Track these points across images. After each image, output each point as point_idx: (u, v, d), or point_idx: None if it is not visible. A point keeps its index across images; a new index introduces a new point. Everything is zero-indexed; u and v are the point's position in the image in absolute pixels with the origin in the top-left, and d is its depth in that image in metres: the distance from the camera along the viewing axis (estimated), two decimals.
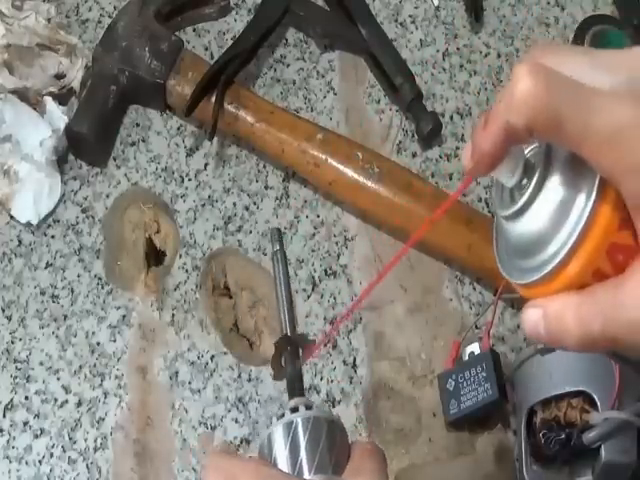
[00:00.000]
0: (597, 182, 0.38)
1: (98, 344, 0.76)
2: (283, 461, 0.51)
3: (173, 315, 0.77)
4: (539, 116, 0.37)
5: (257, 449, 0.54)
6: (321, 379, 0.76)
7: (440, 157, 0.85)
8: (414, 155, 0.85)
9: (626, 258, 0.38)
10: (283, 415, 0.53)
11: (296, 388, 0.59)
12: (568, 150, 0.39)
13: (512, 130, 0.38)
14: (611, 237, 0.38)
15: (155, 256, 0.80)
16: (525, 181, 0.40)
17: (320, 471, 0.50)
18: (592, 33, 0.90)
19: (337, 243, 0.81)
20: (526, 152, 0.41)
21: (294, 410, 0.53)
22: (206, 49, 0.87)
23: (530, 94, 0.37)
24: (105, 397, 0.74)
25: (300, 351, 0.63)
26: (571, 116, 0.36)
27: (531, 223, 0.40)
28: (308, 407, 0.53)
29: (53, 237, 0.79)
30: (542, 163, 0.40)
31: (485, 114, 0.39)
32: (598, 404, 0.65)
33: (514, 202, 0.40)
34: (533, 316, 0.40)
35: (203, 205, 0.81)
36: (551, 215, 0.39)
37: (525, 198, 0.40)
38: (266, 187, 0.82)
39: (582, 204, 0.38)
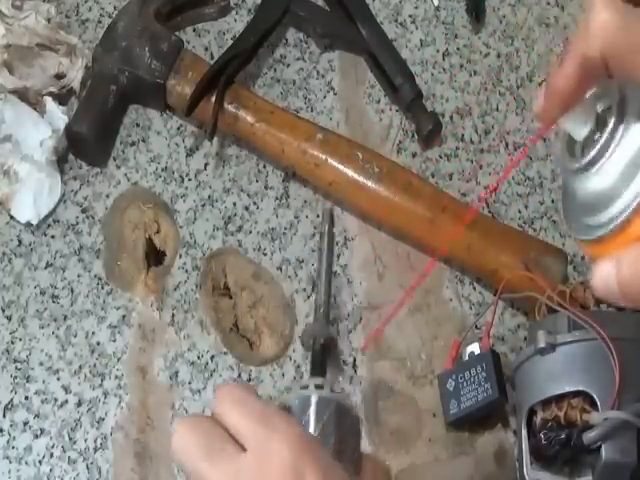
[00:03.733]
0: None
1: (98, 344, 0.76)
2: None
3: (173, 315, 0.77)
4: (615, 45, 0.37)
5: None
6: None
7: (440, 157, 0.85)
8: (414, 155, 0.85)
9: None
10: (307, 387, 0.52)
11: (319, 368, 0.58)
12: None
13: (588, 62, 0.38)
14: None
15: (155, 256, 0.80)
16: (597, 134, 0.40)
17: None
18: None
19: (337, 243, 0.81)
20: (600, 109, 0.41)
21: (318, 387, 0.52)
22: (206, 49, 0.87)
23: (607, 23, 0.37)
24: (105, 397, 0.74)
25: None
26: None
27: (601, 176, 0.39)
28: (320, 387, 0.53)
29: (53, 237, 0.79)
30: (615, 115, 0.39)
31: (561, 54, 0.40)
32: (598, 404, 0.64)
33: (584, 155, 0.40)
34: (604, 270, 0.39)
35: (203, 205, 0.81)
36: (623, 167, 0.39)
37: (597, 149, 0.39)
38: (266, 187, 0.82)
39: None
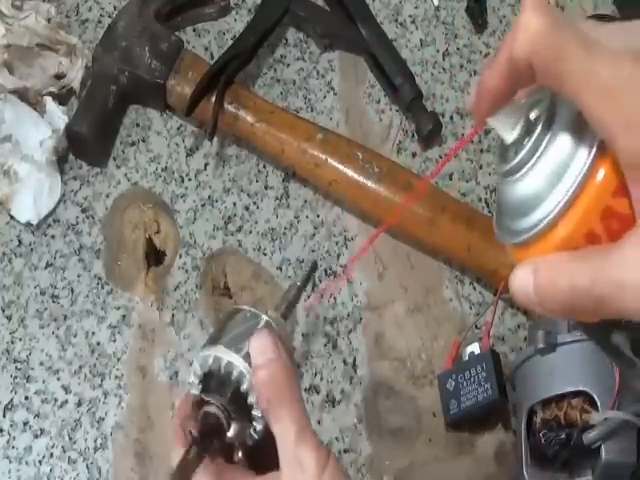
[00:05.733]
0: (596, 145, 0.37)
1: (98, 344, 0.76)
2: None
3: (173, 315, 0.77)
4: (541, 50, 0.36)
5: None
6: (321, 379, 0.76)
7: (440, 157, 0.85)
8: (414, 155, 0.85)
9: (622, 227, 0.38)
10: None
11: None
12: (570, 113, 0.38)
13: (514, 63, 0.37)
14: (605, 200, 0.38)
15: (155, 256, 0.80)
16: (525, 140, 0.40)
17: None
18: None
19: (337, 243, 0.81)
20: (530, 114, 0.40)
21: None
22: (206, 49, 0.87)
23: (534, 27, 0.36)
24: (105, 397, 0.74)
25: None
26: (573, 57, 0.36)
27: (527, 182, 0.39)
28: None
29: (53, 237, 0.79)
30: (543, 122, 0.39)
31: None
32: (598, 404, 0.64)
33: (511, 159, 0.40)
34: (523, 275, 0.39)
35: (203, 205, 0.81)
36: (547, 174, 0.39)
37: (522, 155, 0.39)
38: (266, 187, 0.82)
39: (579, 165, 0.38)
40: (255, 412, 0.53)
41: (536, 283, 0.38)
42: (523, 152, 0.39)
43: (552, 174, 0.38)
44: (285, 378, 0.53)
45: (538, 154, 0.39)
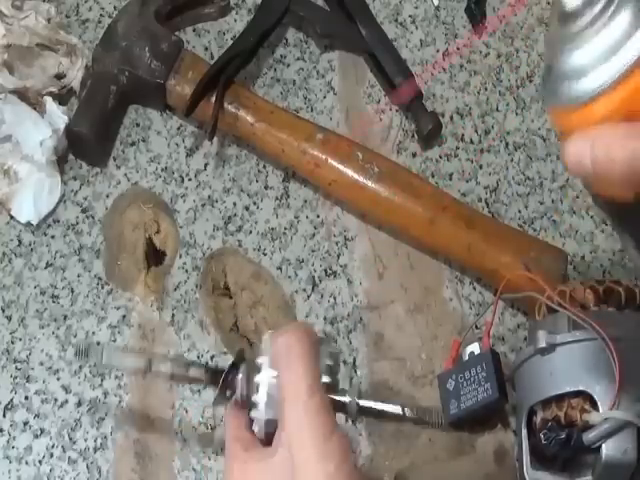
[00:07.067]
0: None
1: (98, 344, 0.75)
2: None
3: (173, 315, 0.77)
4: None
5: None
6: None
7: (440, 157, 0.85)
8: (414, 155, 0.85)
9: None
10: None
11: None
12: None
13: None
14: None
15: (155, 256, 0.80)
16: (587, 9, 0.41)
17: None
18: None
19: (337, 243, 0.81)
20: None
21: None
22: (206, 49, 0.87)
23: None
24: (105, 397, 0.74)
25: None
26: None
27: (593, 43, 0.41)
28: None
29: (53, 237, 0.79)
30: None
31: None
32: (598, 404, 0.64)
33: (578, 20, 0.41)
34: (578, 147, 0.40)
35: (203, 205, 0.81)
36: (615, 35, 0.40)
37: (590, 17, 0.41)
38: (266, 187, 0.82)
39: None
40: (256, 397, 0.55)
41: (594, 155, 0.40)
42: (593, 13, 0.40)
43: (619, 35, 0.40)
44: (307, 344, 0.52)
45: (607, 15, 0.40)
